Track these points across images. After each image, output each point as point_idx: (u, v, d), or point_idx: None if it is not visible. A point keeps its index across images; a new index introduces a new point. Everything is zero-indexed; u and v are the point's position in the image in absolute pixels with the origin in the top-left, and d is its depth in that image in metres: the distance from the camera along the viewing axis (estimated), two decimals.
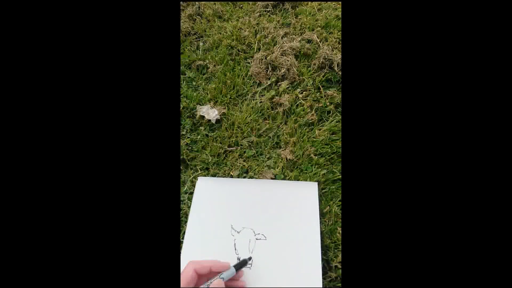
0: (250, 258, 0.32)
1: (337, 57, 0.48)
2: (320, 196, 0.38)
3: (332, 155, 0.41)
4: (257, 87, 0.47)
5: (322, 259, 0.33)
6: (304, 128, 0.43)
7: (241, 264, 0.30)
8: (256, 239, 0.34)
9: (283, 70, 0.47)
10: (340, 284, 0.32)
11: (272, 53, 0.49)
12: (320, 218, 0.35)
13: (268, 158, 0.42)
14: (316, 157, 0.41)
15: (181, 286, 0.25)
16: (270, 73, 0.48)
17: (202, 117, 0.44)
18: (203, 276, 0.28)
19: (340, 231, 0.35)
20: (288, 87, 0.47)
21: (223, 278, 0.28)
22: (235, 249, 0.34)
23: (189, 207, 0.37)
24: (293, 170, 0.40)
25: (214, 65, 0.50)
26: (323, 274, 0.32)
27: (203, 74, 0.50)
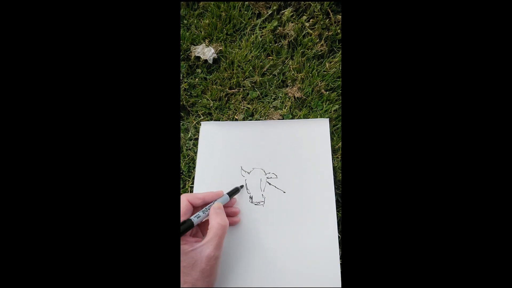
0: (242, 186, 0.33)
1: None
2: (331, 133, 0.35)
3: None
4: (257, 19, 0.41)
5: (336, 193, 0.33)
6: (313, 61, 0.38)
7: (234, 191, 0.32)
8: (267, 177, 0.33)
9: None
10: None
11: None
12: (332, 155, 0.34)
13: (274, 99, 0.38)
14: (327, 92, 0.37)
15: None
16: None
17: (198, 58, 0.40)
18: (198, 208, 0.29)
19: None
20: (293, 15, 0.40)
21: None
22: (247, 189, 0.33)
23: (195, 153, 0.36)
24: (302, 109, 0.37)
25: None
26: (336, 208, 0.32)
27: (194, 10, 0.44)
